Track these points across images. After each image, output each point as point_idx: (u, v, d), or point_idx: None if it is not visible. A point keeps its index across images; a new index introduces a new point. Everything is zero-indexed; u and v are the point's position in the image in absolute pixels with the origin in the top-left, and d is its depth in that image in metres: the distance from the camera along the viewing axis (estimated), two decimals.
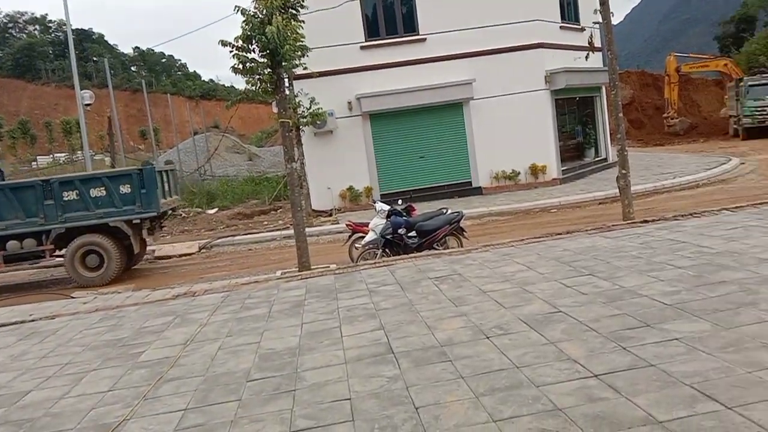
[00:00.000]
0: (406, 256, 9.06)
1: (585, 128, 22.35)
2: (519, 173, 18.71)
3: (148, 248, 15.02)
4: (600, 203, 15.15)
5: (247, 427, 3.73)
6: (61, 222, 11.85)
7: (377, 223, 9.98)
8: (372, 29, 18.44)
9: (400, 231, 9.71)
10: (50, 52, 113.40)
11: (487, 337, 4.76)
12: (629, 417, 3.22)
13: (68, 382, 5.02)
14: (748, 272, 5.57)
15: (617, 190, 10.77)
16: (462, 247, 9.61)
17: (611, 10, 10.85)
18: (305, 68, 11.53)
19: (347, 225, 11.08)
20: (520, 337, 4.67)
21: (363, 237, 10.28)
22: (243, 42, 9.26)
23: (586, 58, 12.66)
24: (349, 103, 18.12)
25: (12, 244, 11.79)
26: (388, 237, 9.69)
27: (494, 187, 18.70)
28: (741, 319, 4.41)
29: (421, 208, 11.44)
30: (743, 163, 19.67)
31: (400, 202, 10.52)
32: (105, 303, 8.50)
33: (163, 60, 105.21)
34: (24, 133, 73.77)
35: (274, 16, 8.94)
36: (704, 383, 3.49)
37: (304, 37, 9.79)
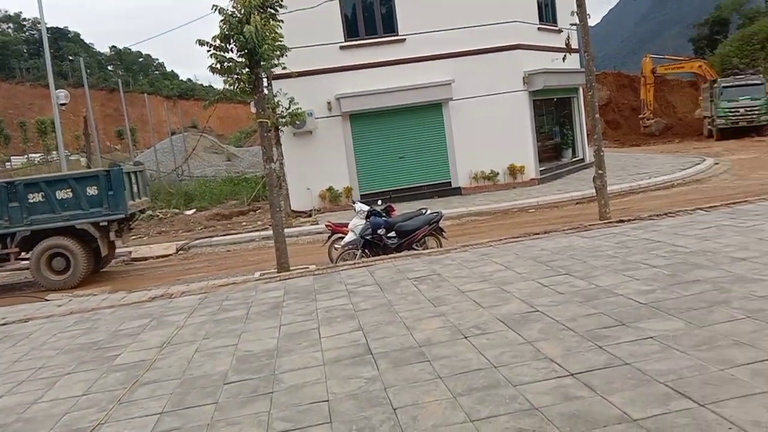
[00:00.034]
0: (385, 256, 9.06)
1: (562, 129, 22.56)
2: (498, 173, 18.82)
3: (125, 250, 14.85)
4: (577, 203, 15.30)
5: (223, 431, 3.70)
6: (27, 224, 11.64)
7: (357, 223, 9.96)
8: (351, 29, 18.41)
9: (379, 231, 9.70)
10: (24, 50, 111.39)
11: (465, 337, 4.78)
12: (605, 415, 3.25)
13: (41, 386, 4.93)
14: (722, 271, 5.66)
15: (594, 190, 10.89)
16: (441, 247, 9.64)
17: (588, 12, 10.97)
18: (284, 68, 11.44)
19: (327, 225, 11.05)
20: (498, 337, 4.70)
21: (342, 237, 10.26)
22: (221, 41, 9.18)
23: (564, 59, 12.77)
24: (329, 103, 18.08)
25: None
26: (368, 237, 9.68)
27: (473, 188, 18.79)
28: (714, 318, 4.48)
29: (401, 209, 11.44)
30: (717, 164, 20.00)
31: (379, 202, 10.51)
32: (80, 306, 8.37)
33: (140, 59, 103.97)
34: None
35: (252, 16, 8.87)
36: (678, 381, 3.53)
37: (282, 37, 9.73)
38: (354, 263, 8.78)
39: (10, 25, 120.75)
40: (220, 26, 9.08)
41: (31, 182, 12.02)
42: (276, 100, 15.80)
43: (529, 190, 18.03)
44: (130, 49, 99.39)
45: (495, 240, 8.98)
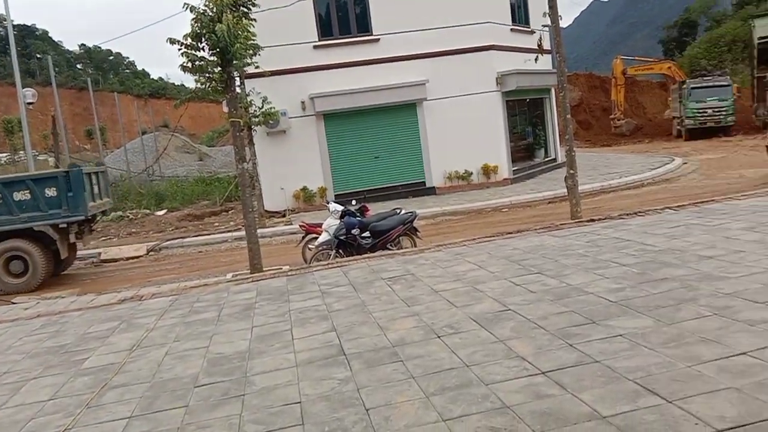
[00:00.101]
0: (359, 256, 9.04)
1: (535, 129, 22.78)
2: (471, 173, 18.93)
3: (95, 251, 14.60)
4: (549, 202, 15.46)
5: None
6: None
7: (331, 223, 9.92)
8: (325, 29, 18.34)
9: (353, 231, 9.68)
10: None
11: (439, 337, 4.79)
12: (575, 413, 3.28)
13: (6, 391, 4.81)
14: (689, 269, 5.76)
15: (566, 190, 11.01)
16: (415, 246, 9.65)
17: (560, 14, 11.08)
18: (257, 67, 11.38)
19: (300, 226, 10.99)
20: (471, 336, 4.71)
21: (316, 238, 10.20)
22: (192, 40, 9.07)
23: (536, 60, 12.88)
24: (303, 102, 17.99)
25: None
26: (342, 238, 9.65)
27: (447, 187, 18.86)
28: (682, 315, 4.56)
29: (376, 209, 11.44)
30: (686, 163, 20.40)
31: (354, 202, 10.49)
32: (47, 308, 8.19)
33: (111, 57, 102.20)
34: None
35: (224, 14, 8.79)
36: (646, 378, 3.58)
37: (255, 36, 9.65)
38: (328, 263, 8.74)
39: None
40: (191, 24, 8.97)
41: None
42: (249, 99, 15.67)
43: (503, 189, 18.17)
44: (99, 47, 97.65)
45: (468, 239, 9.02)
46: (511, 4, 20.47)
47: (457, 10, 18.15)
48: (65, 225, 11.59)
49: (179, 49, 9.13)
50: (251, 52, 9.80)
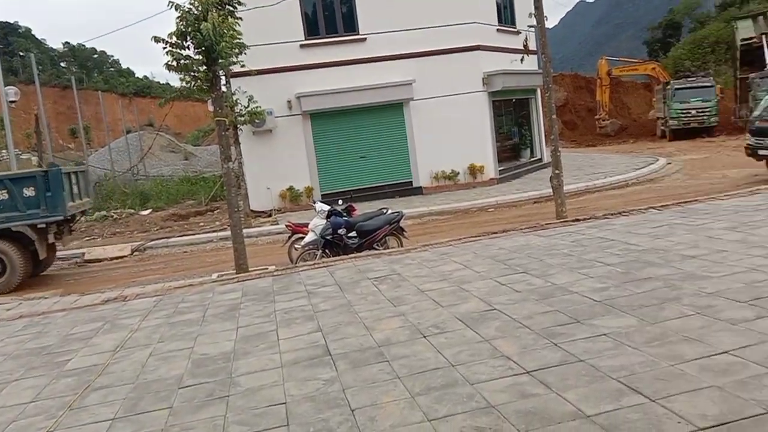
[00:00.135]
0: (345, 256, 9.03)
1: (521, 129, 22.89)
2: (458, 173, 18.97)
3: (78, 251, 14.47)
4: (535, 202, 15.54)
5: None
6: None
7: (317, 223, 9.90)
8: (312, 28, 18.30)
9: (340, 231, 9.67)
10: None
11: (424, 337, 4.79)
12: (559, 412, 3.30)
13: None
14: (673, 269, 5.82)
15: (551, 190, 11.07)
16: (402, 246, 9.66)
17: (545, 15, 11.15)
18: (243, 66, 11.32)
19: (287, 225, 10.95)
20: (456, 336, 4.72)
21: (303, 238, 10.18)
22: (177, 38, 9.01)
23: (522, 60, 12.96)
24: (289, 102, 17.94)
25: None
26: (328, 237, 9.63)
27: (434, 187, 18.90)
28: (665, 314, 4.60)
29: (362, 208, 11.43)
30: (670, 163, 20.59)
31: (340, 202, 10.48)
32: (30, 309, 8.10)
33: (95, 56, 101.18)
34: None
35: (209, 13, 8.74)
36: (630, 377, 3.61)
37: (241, 35, 9.60)
38: (314, 263, 8.72)
39: None
40: (176, 23, 8.91)
41: None
42: (234, 98, 15.57)
43: (489, 189, 18.24)
44: (84, 46, 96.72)
45: (455, 239, 9.04)
46: (497, 4, 20.55)
47: (443, 10, 18.19)
48: (44, 225, 11.45)
49: (164, 48, 9.07)
50: (237, 50, 9.75)
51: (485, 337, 4.61)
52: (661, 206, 9.51)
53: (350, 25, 18.45)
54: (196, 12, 8.87)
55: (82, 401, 4.34)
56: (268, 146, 17.86)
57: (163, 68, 9.27)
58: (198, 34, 8.63)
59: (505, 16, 21.08)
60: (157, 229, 17.24)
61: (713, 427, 2.97)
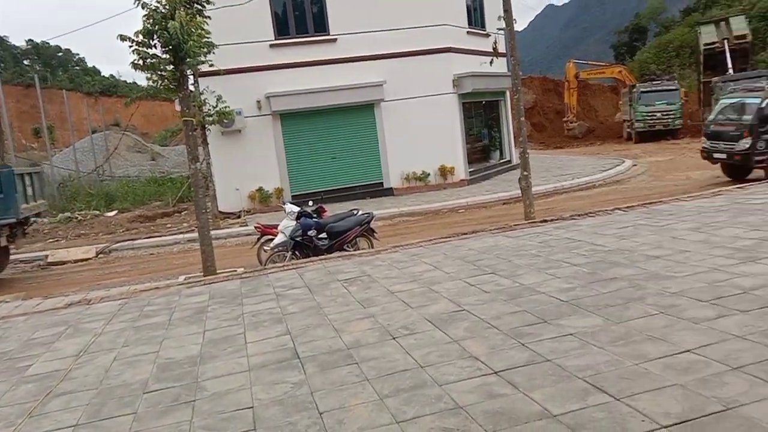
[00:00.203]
0: (315, 258, 8.98)
1: (491, 131, 23.08)
2: (429, 174, 19.04)
3: (41, 254, 14.12)
4: (504, 203, 15.68)
5: None
6: None
7: (287, 224, 9.83)
8: (281, 28, 18.17)
9: (310, 233, 9.61)
10: None
11: (394, 338, 4.78)
12: (526, 412, 3.32)
13: None
14: (637, 269, 5.92)
15: (520, 191, 11.18)
16: (372, 248, 9.65)
17: (514, 18, 11.25)
18: (211, 65, 11.19)
19: (256, 227, 10.85)
20: (425, 337, 4.73)
21: (272, 239, 10.09)
22: (144, 37, 8.86)
23: (491, 63, 13.06)
24: (258, 102, 17.78)
25: None
26: (298, 239, 9.57)
27: (405, 188, 18.94)
28: (630, 314, 4.67)
29: (333, 209, 11.38)
30: (636, 165, 20.98)
31: (310, 203, 10.42)
32: None
33: (60, 54, 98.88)
34: None
35: (177, 11, 8.61)
36: (596, 376, 3.65)
37: (209, 34, 9.49)
38: (283, 265, 8.65)
39: None
40: (143, 21, 8.76)
41: None
42: (203, 98, 15.40)
43: (459, 190, 18.34)
44: (48, 43, 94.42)
45: (425, 240, 9.06)
46: (467, 6, 20.69)
47: (414, 11, 18.25)
48: None
49: (130, 47, 8.91)
50: (205, 50, 9.63)
51: (454, 337, 4.62)
52: (627, 207, 9.68)
53: (321, 25, 18.37)
54: (163, 10, 8.74)
55: (43, 408, 4.23)
56: (237, 146, 17.68)
57: (129, 67, 9.11)
58: (165, 32, 8.51)
59: (475, 18, 21.24)
60: (122, 231, 16.92)
61: (676, 424, 3.02)
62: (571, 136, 36.88)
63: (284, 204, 10.56)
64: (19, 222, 11.61)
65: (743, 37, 30.18)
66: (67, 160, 27.44)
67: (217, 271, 9.12)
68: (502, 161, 23.04)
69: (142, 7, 8.75)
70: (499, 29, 12.41)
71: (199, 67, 11.42)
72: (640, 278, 5.57)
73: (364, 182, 18.83)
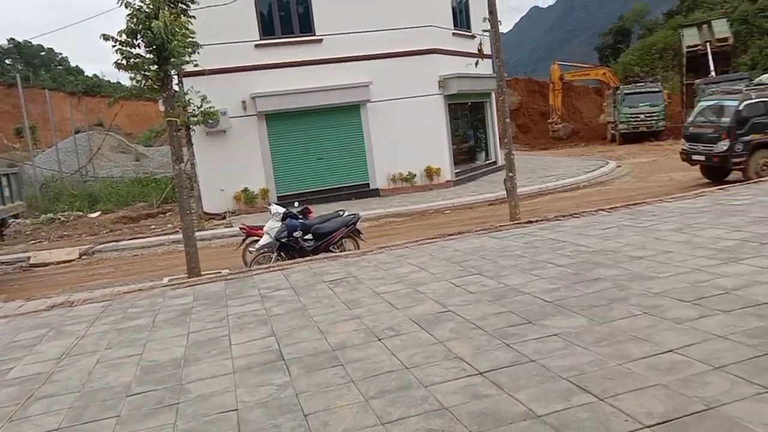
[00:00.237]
0: (301, 259, 8.96)
1: (476, 132, 23.17)
2: (415, 175, 19.07)
3: (23, 255, 13.95)
4: (490, 204, 15.74)
5: None
6: None
7: (272, 226, 9.79)
8: (267, 28, 18.11)
9: (295, 234, 9.58)
10: None
11: (379, 339, 4.78)
12: (511, 412, 3.33)
13: None
14: (621, 269, 5.96)
15: (505, 192, 11.23)
16: (358, 249, 9.64)
17: (499, 19, 11.30)
18: (196, 65, 11.14)
19: (241, 228, 10.80)
20: (411, 338, 4.73)
21: (257, 240, 10.05)
22: (127, 37, 8.79)
23: (476, 64, 13.10)
24: (244, 102, 17.70)
25: None
26: (283, 240, 9.53)
27: (391, 189, 18.94)
28: (613, 314, 4.71)
29: (319, 211, 11.37)
30: (619, 167, 21.16)
31: (296, 204, 10.39)
32: None
33: (42, 53, 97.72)
34: None
35: (161, 11, 8.55)
36: (580, 377, 3.68)
37: (194, 33, 9.44)
38: (269, 267, 8.61)
39: None
40: (126, 21, 8.69)
41: None
42: (187, 98, 15.31)
43: (445, 191, 18.39)
44: (30, 42, 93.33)
45: (411, 241, 9.07)
46: (452, 8, 20.74)
47: (399, 13, 18.27)
48: None
49: (113, 46, 8.84)
50: (190, 50, 9.60)
51: (439, 338, 4.63)
52: (611, 208, 9.75)
53: (306, 25, 18.33)
54: (147, 10, 8.68)
55: (24, 412, 4.18)
56: (222, 147, 17.59)
57: (113, 67, 9.03)
58: (149, 32, 8.45)
59: (461, 20, 21.31)
60: (106, 232, 16.76)
61: (659, 424, 3.05)
62: (556, 138, 37.08)
63: (270, 205, 10.52)
64: None
65: (725, 40, 30.57)
66: (50, 160, 27.14)
67: (202, 273, 9.06)
68: (487, 162, 23.12)
69: (126, 7, 8.68)
70: (485, 31, 12.43)
71: (183, 67, 11.39)
72: (624, 279, 5.61)
73: (350, 183, 18.81)
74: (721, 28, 31.29)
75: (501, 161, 22.30)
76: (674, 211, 8.85)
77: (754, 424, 2.95)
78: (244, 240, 10.51)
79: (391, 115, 18.49)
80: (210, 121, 15.89)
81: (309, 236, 9.68)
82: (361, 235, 10.17)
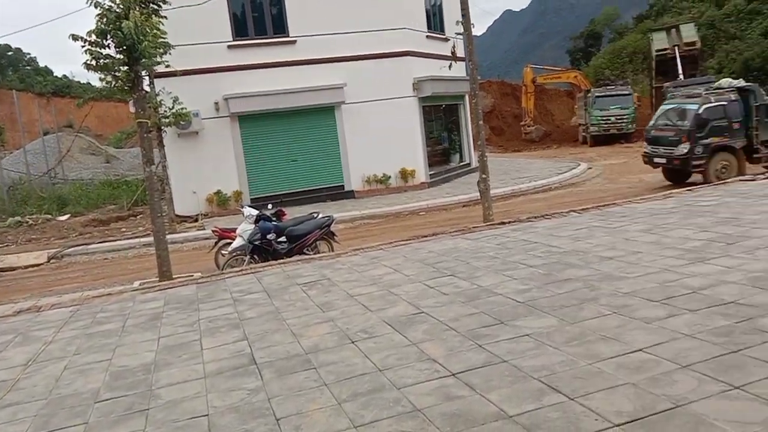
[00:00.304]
0: (274, 262, 8.88)
1: (450, 134, 23.30)
2: (390, 177, 19.10)
3: None
4: (464, 206, 15.84)
5: None
6: None
7: (245, 228, 9.72)
8: (240, 29, 17.99)
9: (269, 236, 9.52)
10: None
11: (353, 342, 4.77)
12: (483, 413, 3.35)
13: None
14: (591, 270, 6.04)
15: (479, 194, 11.31)
16: (332, 251, 9.61)
17: (473, 22, 11.39)
18: (168, 66, 11.00)
19: (213, 231, 10.71)
20: (384, 340, 4.72)
21: (230, 243, 9.97)
22: (97, 37, 8.65)
23: (449, 67, 13.18)
24: (216, 103, 17.55)
25: None
26: (257, 243, 9.47)
27: (366, 191, 18.95)
28: (584, 314, 4.76)
29: (294, 213, 11.32)
30: (590, 168, 21.47)
31: (269, 206, 10.33)
32: None
33: (9, 53, 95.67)
34: None
35: (131, 11, 8.43)
36: (551, 376, 3.71)
37: (165, 34, 9.32)
38: (241, 270, 8.54)
39: None
40: (96, 21, 8.55)
41: None
42: (158, 99, 15.10)
43: (420, 193, 18.45)
44: None
45: (385, 243, 9.07)
46: (426, 11, 20.85)
47: (374, 15, 18.30)
48: None
49: (83, 47, 8.69)
50: (161, 50, 9.47)
51: (413, 340, 4.63)
52: (582, 209, 9.87)
53: (280, 26, 18.26)
54: (117, 10, 8.55)
55: None
56: (194, 149, 17.41)
57: (82, 67, 8.88)
58: (119, 32, 8.33)
59: (435, 23, 21.42)
60: (76, 236, 16.46)
61: (628, 423, 3.09)
62: (529, 140, 37.48)
63: (243, 207, 10.44)
64: None
65: (692, 44, 31.25)
66: (18, 162, 26.56)
67: (173, 276, 8.96)
68: (461, 164, 23.26)
69: (95, 6, 8.54)
70: (458, 34, 12.51)
71: (155, 68, 11.23)
72: (594, 279, 5.68)
73: (324, 185, 18.77)
74: (689, 32, 31.97)
75: (475, 163, 22.45)
76: (644, 212, 8.99)
77: (719, 421, 3.01)
78: (216, 243, 10.42)
79: (366, 116, 18.49)
80: (182, 122, 15.67)
81: (283, 239, 9.63)
82: (335, 237, 10.15)
